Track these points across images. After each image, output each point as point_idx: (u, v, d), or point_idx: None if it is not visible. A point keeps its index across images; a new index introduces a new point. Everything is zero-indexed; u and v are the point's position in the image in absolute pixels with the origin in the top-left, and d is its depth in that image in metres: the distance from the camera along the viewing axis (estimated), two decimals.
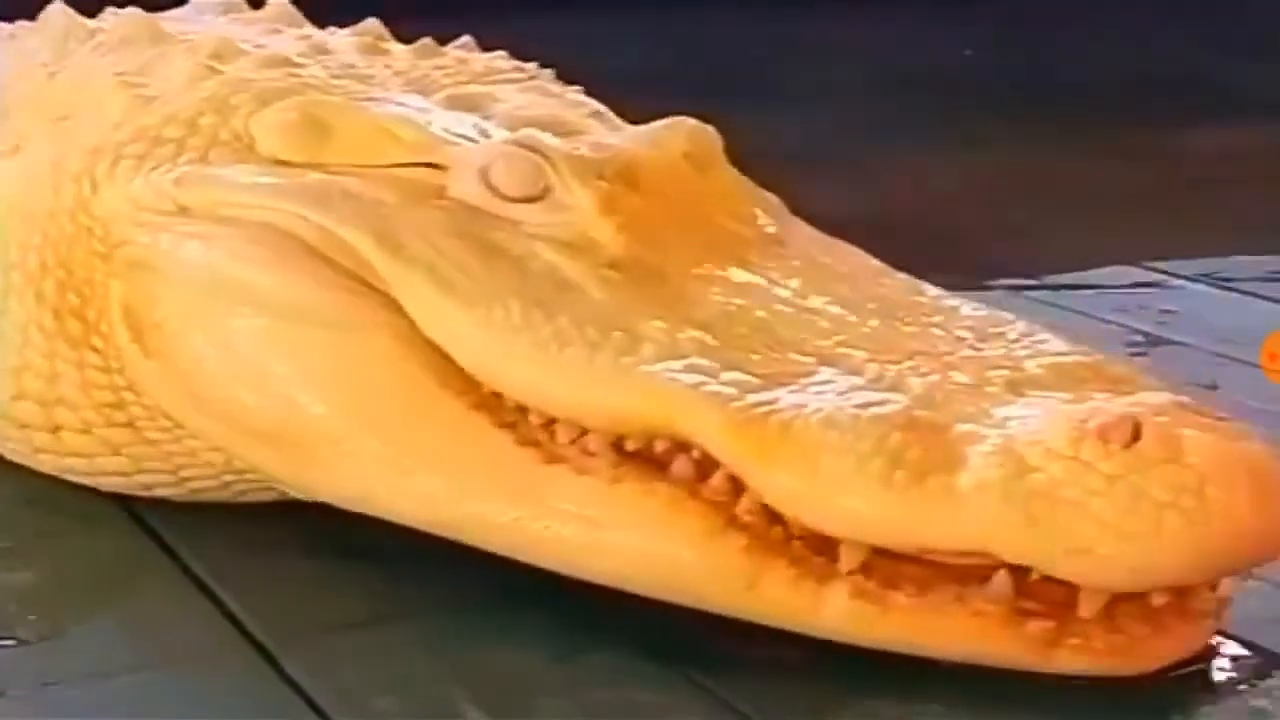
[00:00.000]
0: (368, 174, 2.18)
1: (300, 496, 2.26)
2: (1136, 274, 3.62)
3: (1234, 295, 3.49)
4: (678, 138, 2.25)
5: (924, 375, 1.93)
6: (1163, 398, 1.89)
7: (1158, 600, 1.86)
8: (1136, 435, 1.79)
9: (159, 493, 2.34)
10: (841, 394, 1.89)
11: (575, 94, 2.46)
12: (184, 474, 2.30)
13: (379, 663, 1.99)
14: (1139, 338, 3.24)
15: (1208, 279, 3.58)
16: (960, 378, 1.93)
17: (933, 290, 2.18)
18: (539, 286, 2.05)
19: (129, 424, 2.28)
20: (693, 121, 2.28)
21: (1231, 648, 2.00)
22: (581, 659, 1.99)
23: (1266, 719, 1.88)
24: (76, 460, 2.34)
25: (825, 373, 1.93)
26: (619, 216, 2.12)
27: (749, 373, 1.93)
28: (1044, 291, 3.50)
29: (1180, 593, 1.90)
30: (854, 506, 1.83)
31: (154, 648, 2.06)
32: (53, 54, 2.49)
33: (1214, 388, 2.93)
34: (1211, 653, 1.97)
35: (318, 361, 2.11)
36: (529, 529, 2.02)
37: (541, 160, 2.13)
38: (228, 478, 2.29)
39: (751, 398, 1.89)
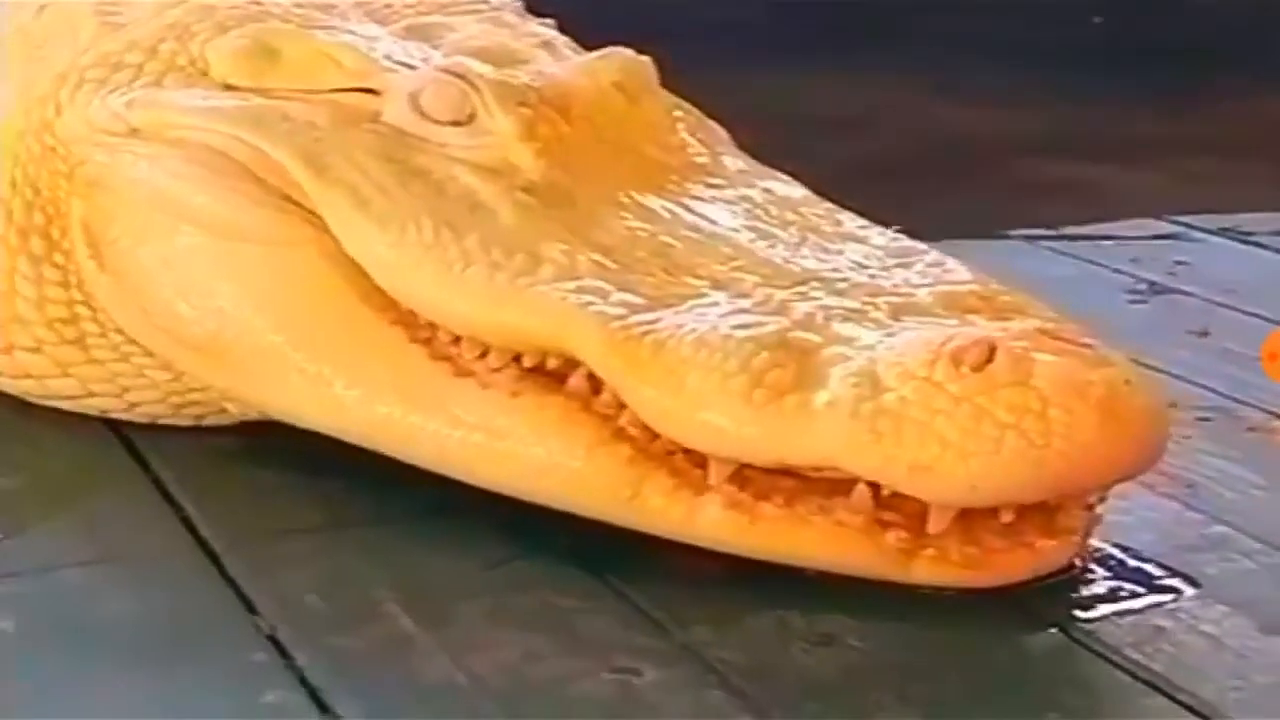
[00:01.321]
0: (308, 99, 2.26)
1: (238, 410, 2.36)
2: (1158, 226, 3.64)
3: (1249, 249, 3.50)
4: (610, 68, 2.32)
5: (811, 300, 1.98)
6: (1028, 324, 1.93)
7: (1006, 517, 1.91)
8: (991, 358, 1.84)
9: (114, 418, 2.43)
10: (722, 316, 1.95)
11: (535, 25, 2.52)
12: (130, 397, 2.40)
13: (317, 567, 2.09)
14: (1142, 286, 3.26)
15: (1228, 232, 3.59)
16: (847, 303, 1.99)
17: (853, 220, 2.23)
18: (453, 208, 2.13)
19: (78, 340, 2.38)
20: (627, 52, 2.35)
21: (1148, 569, 2.06)
22: (509, 566, 2.08)
23: (1165, 636, 1.93)
24: (29, 382, 2.44)
25: (713, 296, 2.00)
26: (539, 142, 2.19)
27: (639, 294, 2.00)
28: (1061, 242, 3.53)
29: (1047, 508, 1.95)
30: (715, 422, 1.90)
31: (106, 545, 2.16)
32: None
33: (1205, 334, 2.97)
34: (1072, 567, 2.03)
35: (247, 275, 2.21)
36: (436, 438, 2.11)
37: (467, 87, 2.21)
38: (174, 399, 2.39)
39: (634, 318, 1.96)
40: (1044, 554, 1.96)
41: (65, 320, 2.38)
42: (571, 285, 2.01)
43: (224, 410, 2.39)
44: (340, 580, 2.06)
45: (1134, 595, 2.01)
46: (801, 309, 1.97)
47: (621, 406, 2.00)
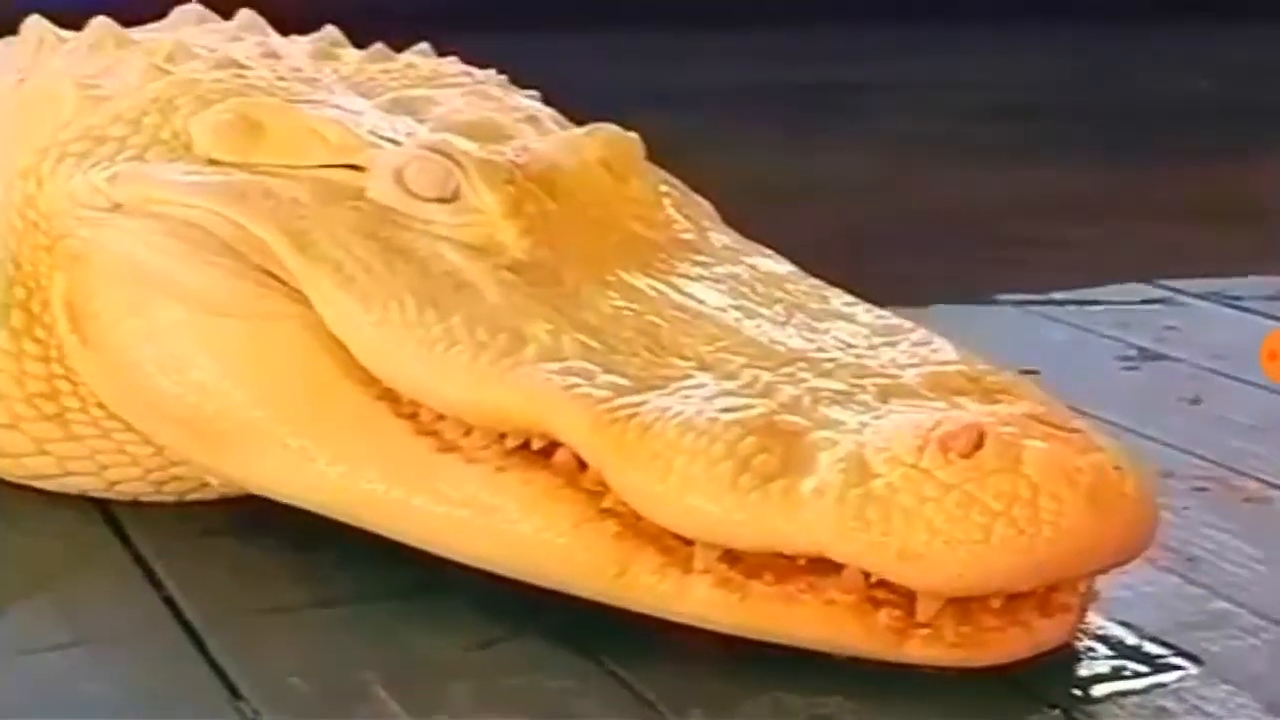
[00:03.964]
0: (292, 174, 2.25)
1: (220, 486, 2.34)
2: (1146, 291, 3.63)
3: (1237, 313, 3.49)
4: (595, 144, 2.30)
5: (798, 381, 1.97)
6: (1017, 408, 1.92)
7: (994, 603, 1.89)
8: (980, 445, 1.82)
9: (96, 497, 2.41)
10: (708, 398, 1.94)
11: (519, 99, 2.51)
12: (110, 475, 2.38)
13: (301, 646, 2.06)
14: (1133, 352, 3.25)
15: (1216, 297, 3.59)
16: (834, 384, 1.97)
17: (839, 297, 2.22)
18: (438, 286, 2.11)
19: (58, 416, 2.35)
20: (613, 128, 2.34)
21: (1150, 648, 2.04)
22: (498, 647, 2.05)
23: (1169, 717, 1.91)
24: (4, 461, 2.41)
25: (699, 377, 1.98)
26: (524, 220, 2.18)
27: (625, 375, 1.98)
28: (1049, 307, 3.52)
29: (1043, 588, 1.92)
30: (701, 507, 1.88)
31: (87, 626, 2.13)
32: (26, 62, 2.59)
33: (1197, 401, 2.96)
34: (1073, 645, 2.01)
35: (230, 350, 2.20)
36: (421, 514, 2.09)
37: (452, 164, 2.19)
38: (156, 476, 2.37)
39: (619, 400, 1.94)
40: (1040, 632, 1.93)
41: (45, 395, 2.35)
42: (556, 367, 1.99)
43: (206, 486, 2.37)
44: (325, 661, 2.03)
45: (1136, 674, 1.99)
46: (788, 392, 1.95)
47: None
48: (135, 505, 2.40)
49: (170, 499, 2.39)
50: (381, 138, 2.28)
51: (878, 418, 1.90)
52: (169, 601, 2.17)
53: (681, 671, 1.98)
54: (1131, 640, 2.05)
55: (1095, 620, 2.04)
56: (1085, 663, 2.00)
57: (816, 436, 1.88)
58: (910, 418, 1.89)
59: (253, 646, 2.05)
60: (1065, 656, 1.98)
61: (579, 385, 1.96)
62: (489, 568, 2.06)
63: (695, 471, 1.87)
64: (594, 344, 2.02)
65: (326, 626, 2.11)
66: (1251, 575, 2.25)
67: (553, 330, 2.04)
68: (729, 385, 1.96)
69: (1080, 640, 2.01)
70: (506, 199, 2.18)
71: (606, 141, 2.31)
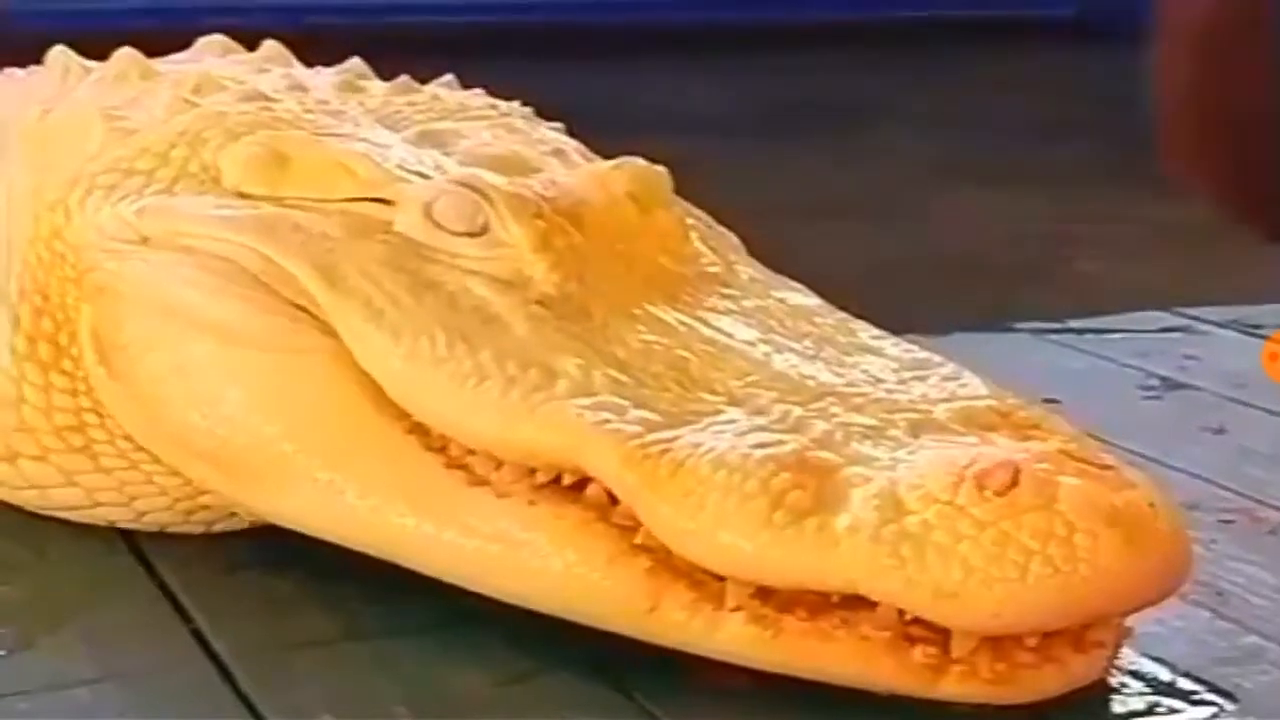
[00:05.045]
0: (321, 208, 2.25)
1: (247, 515, 2.34)
2: (1165, 319, 3.63)
3: (1257, 341, 3.47)
4: (622, 177, 2.30)
5: (830, 417, 1.97)
6: (1050, 445, 1.92)
7: (1029, 639, 1.88)
8: (1015, 482, 1.82)
9: (121, 527, 2.41)
10: (741, 434, 1.93)
11: (546, 131, 2.51)
12: (138, 505, 2.37)
13: (331, 681, 2.06)
14: (1155, 381, 3.24)
15: (1237, 325, 3.58)
16: (866, 420, 1.97)
17: (867, 331, 2.22)
18: (467, 321, 2.11)
19: (85, 448, 2.35)
20: (640, 162, 2.33)
21: (1184, 684, 2.04)
22: (530, 683, 2.04)
23: None
24: (32, 493, 2.41)
25: (731, 412, 1.98)
26: (552, 254, 2.17)
27: (655, 411, 1.98)
28: (1068, 335, 3.52)
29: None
30: (734, 544, 1.87)
31: (115, 661, 2.12)
32: (51, 92, 2.58)
33: (1221, 431, 2.95)
34: (1107, 682, 2.00)
35: (259, 383, 2.19)
36: (451, 548, 2.07)
37: (480, 198, 2.19)
38: (184, 505, 2.36)
39: (651, 436, 1.94)
40: (1074, 669, 1.93)
41: (73, 428, 2.35)
42: (587, 402, 1.99)
43: (234, 515, 2.37)
44: (355, 696, 2.02)
45: (1171, 711, 1.98)
46: (820, 427, 1.95)
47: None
48: (160, 536, 2.39)
49: (199, 529, 2.39)
50: (409, 171, 2.28)
51: (910, 453, 1.90)
52: (197, 635, 2.17)
53: (714, 707, 1.97)
54: (1165, 676, 2.04)
55: (1128, 656, 2.04)
56: (1119, 699, 1.99)
57: (849, 472, 1.88)
58: (943, 454, 1.89)
59: (282, 681, 2.05)
60: (1099, 693, 1.98)
61: (610, 421, 1.96)
62: (520, 603, 2.06)
63: (728, 508, 1.87)
64: (624, 379, 2.02)
65: (356, 661, 2.10)
66: (1278, 608, 2.25)
67: (583, 365, 2.04)
68: (760, 420, 1.95)
69: (1114, 677, 2.01)
70: (535, 233, 2.18)
71: (633, 175, 2.31)
